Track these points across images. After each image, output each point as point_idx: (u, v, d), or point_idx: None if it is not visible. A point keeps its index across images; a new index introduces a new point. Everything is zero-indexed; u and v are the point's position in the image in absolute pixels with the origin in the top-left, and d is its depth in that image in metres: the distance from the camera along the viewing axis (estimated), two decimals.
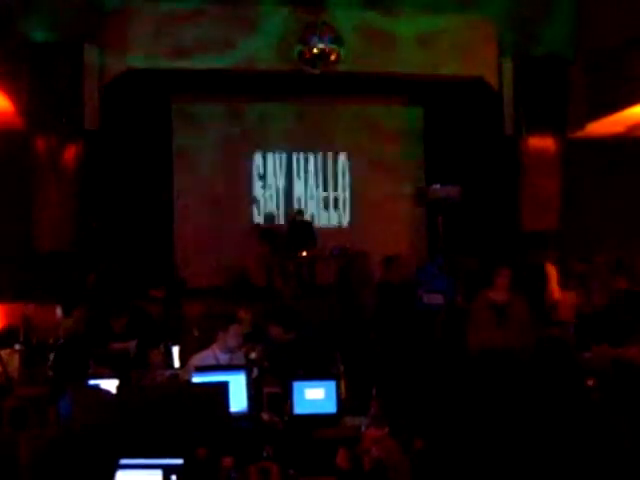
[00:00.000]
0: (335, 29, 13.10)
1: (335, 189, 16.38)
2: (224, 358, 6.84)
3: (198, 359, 6.89)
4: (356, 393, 6.12)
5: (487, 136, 14.86)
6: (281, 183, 16.12)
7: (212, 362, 6.71)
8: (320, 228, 15.40)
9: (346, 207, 16.38)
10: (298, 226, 14.62)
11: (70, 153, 13.14)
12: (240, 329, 7.12)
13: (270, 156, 16.14)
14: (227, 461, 4.39)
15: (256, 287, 13.47)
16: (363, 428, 5.05)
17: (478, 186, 14.43)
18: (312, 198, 16.25)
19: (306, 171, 16.24)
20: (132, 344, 8.35)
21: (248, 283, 13.47)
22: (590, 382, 6.66)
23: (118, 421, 4.28)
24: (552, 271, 12.53)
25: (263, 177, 16.09)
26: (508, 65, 14.57)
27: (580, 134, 14.38)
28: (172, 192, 15.29)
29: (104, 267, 9.83)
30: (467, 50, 14.25)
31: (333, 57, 12.97)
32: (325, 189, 16.33)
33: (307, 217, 15.52)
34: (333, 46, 12.92)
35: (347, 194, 16.40)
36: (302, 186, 16.23)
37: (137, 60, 13.33)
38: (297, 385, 5.95)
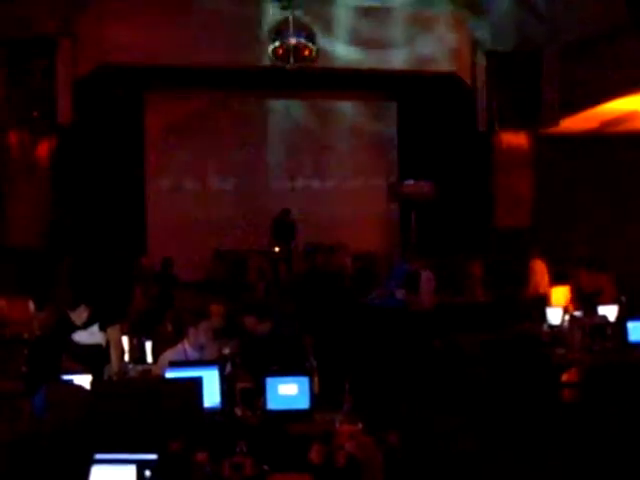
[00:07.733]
0: (308, 25, 13.10)
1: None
2: (194, 355, 6.79)
3: (169, 355, 6.85)
4: (329, 389, 6.13)
5: (460, 132, 14.91)
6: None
7: (182, 358, 6.66)
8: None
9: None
10: (282, 225, 14.53)
11: (43, 148, 13.11)
12: (211, 325, 7.07)
13: None
14: (201, 456, 4.39)
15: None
16: (337, 424, 5.08)
17: (451, 182, 14.48)
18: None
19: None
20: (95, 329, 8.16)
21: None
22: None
23: (92, 417, 4.28)
24: (540, 266, 12.55)
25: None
26: (481, 61, 14.63)
27: (553, 130, 14.46)
28: (145, 187, 15.29)
29: (70, 261, 9.72)
30: (441, 46, 14.30)
31: (307, 53, 12.96)
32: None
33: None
34: (307, 42, 12.91)
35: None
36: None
37: (111, 55, 13.28)
38: (270, 381, 5.96)
